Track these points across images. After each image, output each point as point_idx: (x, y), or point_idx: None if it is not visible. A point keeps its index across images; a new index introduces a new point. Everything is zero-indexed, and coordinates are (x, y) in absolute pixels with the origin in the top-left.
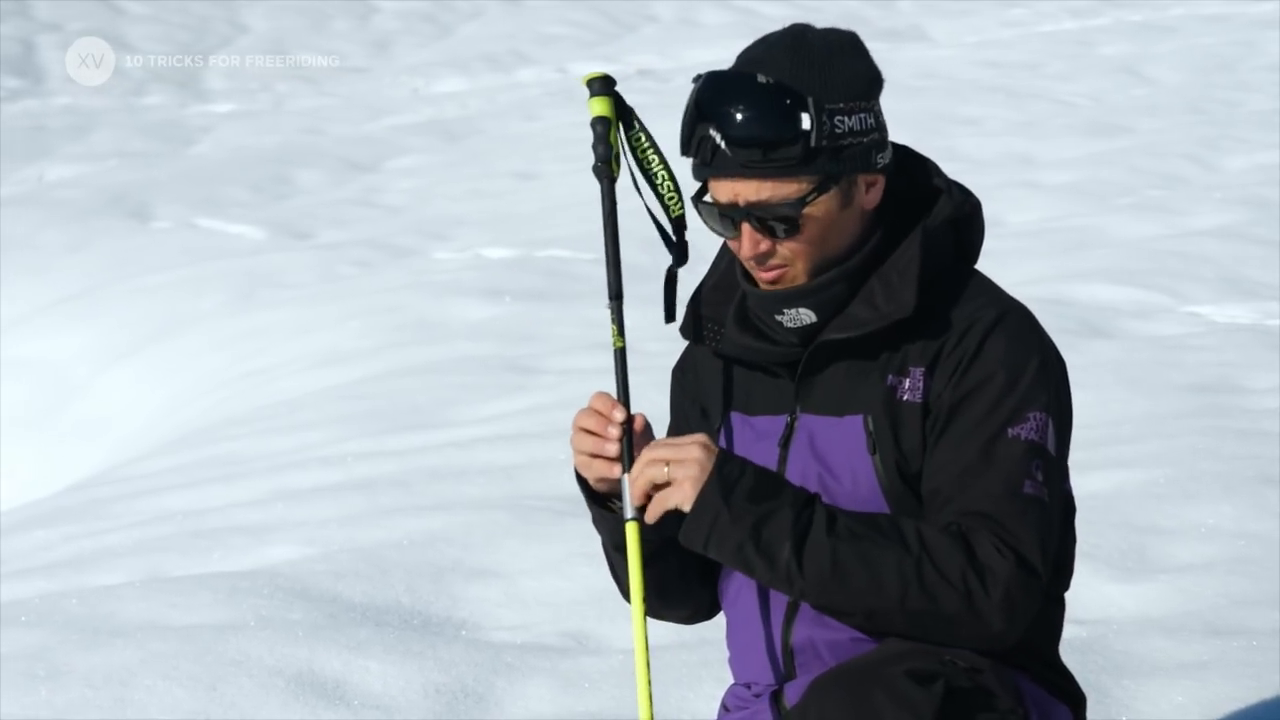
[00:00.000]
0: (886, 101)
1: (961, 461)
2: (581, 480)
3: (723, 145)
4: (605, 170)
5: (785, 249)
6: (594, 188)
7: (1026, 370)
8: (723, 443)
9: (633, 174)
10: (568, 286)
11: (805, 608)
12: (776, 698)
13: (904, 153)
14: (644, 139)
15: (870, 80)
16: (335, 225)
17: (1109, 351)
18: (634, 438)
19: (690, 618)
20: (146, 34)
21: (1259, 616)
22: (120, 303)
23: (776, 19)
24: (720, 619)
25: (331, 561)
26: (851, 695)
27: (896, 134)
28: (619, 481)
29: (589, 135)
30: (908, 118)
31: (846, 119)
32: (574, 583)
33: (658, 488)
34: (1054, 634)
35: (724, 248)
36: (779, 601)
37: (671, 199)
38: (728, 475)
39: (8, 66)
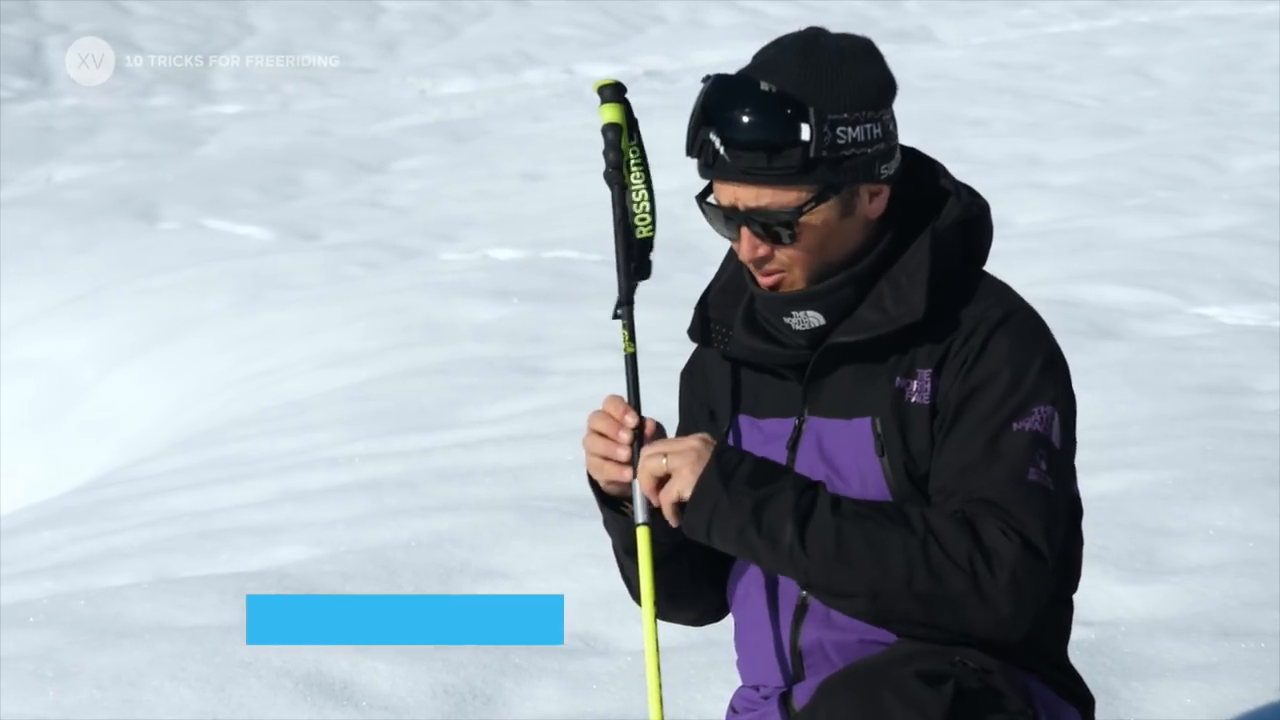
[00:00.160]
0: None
1: (966, 457)
2: (593, 482)
3: (722, 150)
4: (616, 177)
5: (783, 255)
6: (601, 188)
7: (1031, 368)
8: (731, 444)
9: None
10: (575, 287)
11: (814, 609)
12: (785, 700)
13: (912, 154)
14: (635, 155)
15: (880, 89)
16: (342, 226)
17: (1117, 353)
18: (645, 442)
19: (698, 620)
20: (153, 35)
21: (1268, 618)
22: (127, 303)
23: (784, 20)
24: (728, 620)
25: (339, 562)
26: (861, 696)
27: (904, 135)
28: (630, 485)
29: (596, 136)
30: (915, 119)
31: (850, 129)
32: (581, 584)
33: (659, 481)
34: (1063, 635)
35: (731, 251)
36: (787, 603)
37: (643, 219)
38: (726, 462)
39: (15, 67)
